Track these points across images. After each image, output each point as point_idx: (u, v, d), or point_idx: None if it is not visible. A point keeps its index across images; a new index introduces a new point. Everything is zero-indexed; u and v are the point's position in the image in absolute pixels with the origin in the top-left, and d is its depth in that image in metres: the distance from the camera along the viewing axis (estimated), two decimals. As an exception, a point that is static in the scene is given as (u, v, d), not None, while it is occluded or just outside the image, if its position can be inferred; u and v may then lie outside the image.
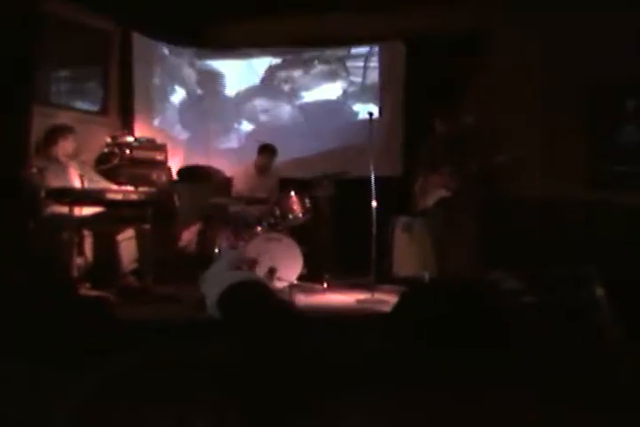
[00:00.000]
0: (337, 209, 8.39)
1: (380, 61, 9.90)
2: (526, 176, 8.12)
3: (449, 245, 7.28)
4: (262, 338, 4.62)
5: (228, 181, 8.79)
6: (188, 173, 9.09)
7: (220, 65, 10.36)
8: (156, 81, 9.82)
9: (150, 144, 8.56)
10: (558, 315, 5.64)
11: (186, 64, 10.20)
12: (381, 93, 9.87)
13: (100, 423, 1.05)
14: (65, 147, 7.24)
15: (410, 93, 9.50)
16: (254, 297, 5.28)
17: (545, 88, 8.29)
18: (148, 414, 1.05)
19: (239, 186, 8.59)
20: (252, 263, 7.05)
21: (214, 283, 5.71)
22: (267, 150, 8.64)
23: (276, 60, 10.27)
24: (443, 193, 7.31)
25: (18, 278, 5.33)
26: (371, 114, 7.60)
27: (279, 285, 7.27)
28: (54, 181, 6.90)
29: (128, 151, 8.13)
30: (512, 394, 3.76)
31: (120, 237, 7.29)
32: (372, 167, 7.27)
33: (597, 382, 4.00)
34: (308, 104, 10.20)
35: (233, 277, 5.67)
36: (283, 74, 10.25)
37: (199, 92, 10.33)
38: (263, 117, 10.27)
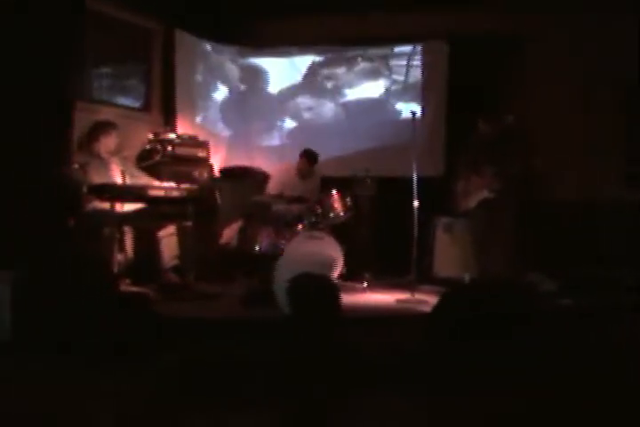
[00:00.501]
0: (378, 208, 8.36)
1: (423, 60, 9.85)
2: (566, 177, 8.07)
3: (490, 247, 7.23)
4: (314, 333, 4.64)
5: (269, 179, 8.78)
6: (229, 171, 9.14)
7: (263, 62, 10.37)
8: (199, 78, 9.84)
9: (192, 141, 8.59)
10: (595, 317, 5.60)
11: (228, 61, 10.22)
12: (424, 93, 9.82)
13: (144, 421, 1.06)
14: (107, 143, 7.29)
15: (452, 93, 9.45)
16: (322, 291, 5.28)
17: (585, 88, 8.25)
18: (190, 412, 1.04)
19: (276, 184, 8.57)
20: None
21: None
22: (307, 156, 8.62)
23: (318, 58, 10.25)
24: (485, 194, 7.26)
25: (60, 275, 5.37)
26: (414, 113, 7.55)
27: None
28: (96, 177, 6.94)
29: (170, 148, 8.15)
30: (548, 394, 3.74)
31: (161, 233, 7.33)
32: (414, 167, 7.24)
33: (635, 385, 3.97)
34: (350, 102, 10.18)
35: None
36: (325, 71, 10.23)
37: (241, 89, 10.33)
38: (306, 115, 10.25)
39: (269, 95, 10.38)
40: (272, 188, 8.54)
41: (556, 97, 8.34)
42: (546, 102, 8.47)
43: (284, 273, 5.94)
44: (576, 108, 8.22)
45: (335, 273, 6.69)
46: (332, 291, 5.25)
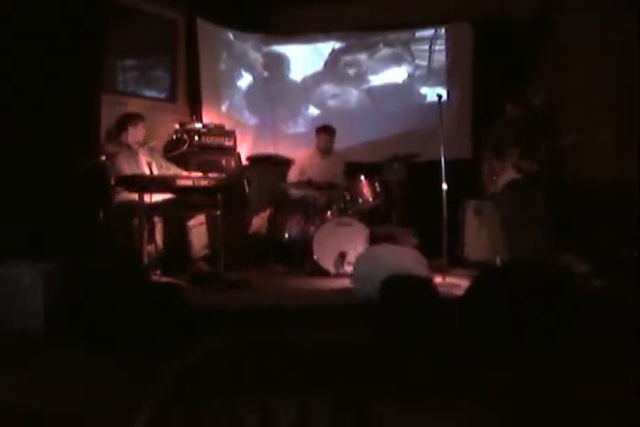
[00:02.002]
0: (407, 193, 8.33)
1: (447, 44, 9.80)
2: (597, 157, 7.98)
3: (519, 228, 7.20)
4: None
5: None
6: (257, 158, 9.14)
7: (285, 49, 10.33)
8: (223, 67, 9.83)
9: (219, 130, 8.58)
10: (627, 299, 5.54)
11: (251, 49, 10.18)
12: (449, 76, 9.78)
13: (183, 416, 1.04)
14: (135, 134, 7.31)
15: (478, 76, 9.40)
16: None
17: (615, 68, 8.14)
18: (233, 406, 1.03)
19: (300, 169, 8.57)
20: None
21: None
22: (323, 131, 8.64)
23: (339, 45, 10.20)
24: (512, 175, 7.22)
25: (92, 267, 5.39)
26: (440, 96, 7.50)
27: (349, 269, 7.24)
28: (125, 168, 6.97)
29: (197, 138, 8.15)
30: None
31: (191, 223, 7.35)
32: (442, 150, 7.20)
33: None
34: (374, 88, 10.14)
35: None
36: (347, 58, 10.17)
37: (265, 76, 10.30)
38: (331, 102, 10.22)
39: (293, 82, 10.35)
40: (293, 173, 8.55)
41: (587, 77, 8.23)
42: (576, 82, 8.36)
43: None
44: (606, 87, 8.11)
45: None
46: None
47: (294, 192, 8.28)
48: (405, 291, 5.21)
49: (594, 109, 8.11)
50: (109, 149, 7.08)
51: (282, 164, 9.07)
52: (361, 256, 6.67)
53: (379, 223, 8.07)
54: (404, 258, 6.43)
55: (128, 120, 7.38)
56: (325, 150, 8.71)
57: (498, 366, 3.96)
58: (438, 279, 7.08)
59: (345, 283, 6.76)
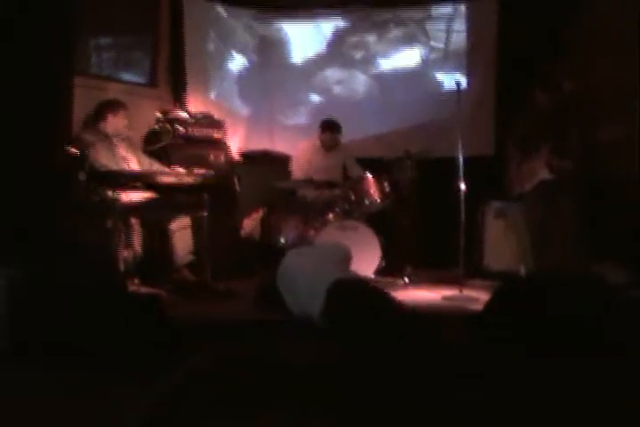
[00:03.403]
0: (420, 193, 8.32)
1: (468, 23, 9.77)
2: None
3: (550, 234, 7.22)
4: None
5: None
6: (250, 154, 9.15)
7: (283, 28, 10.30)
8: (211, 47, 9.84)
9: (207, 120, 8.61)
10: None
11: (244, 27, 10.16)
12: (469, 61, 9.76)
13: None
14: (115, 123, 7.34)
15: (503, 60, 9.39)
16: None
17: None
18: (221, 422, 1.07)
19: (302, 164, 8.59)
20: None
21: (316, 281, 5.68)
22: (328, 129, 8.68)
23: (343, 23, 10.19)
24: (543, 174, 7.24)
25: (60, 275, 5.40)
26: (458, 83, 7.44)
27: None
28: (100, 161, 6.99)
29: (181, 128, 8.16)
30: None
31: (174, 226, 7.37)
32: (459, 145, 7.20)
33: None
34: (384, 74, 10.13)
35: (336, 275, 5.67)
36: (354, 39, 10.16)
37: (260, 58, 10.28)
38: (336, 89, 10.22)
39: (292, 66, 10.33)
40: (296, 168, 8.58)
41: (628, 57, 8.19)
42: (611, 67, 8.34)
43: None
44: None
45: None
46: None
47: (292, 191, 8.31)
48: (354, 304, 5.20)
49: (635, 97, 8.08)
50: (86, 137, 7.07)
51: (278, 160, 9.09)
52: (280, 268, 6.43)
53: (388, 227, 8.08)
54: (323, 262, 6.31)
55: (108, 108, 7.40)
56: (330, 146, 8.76)
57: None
58: (454, 292, 7.11)
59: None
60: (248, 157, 9.23)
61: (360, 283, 5.73)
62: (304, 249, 6.84)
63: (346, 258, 6.34)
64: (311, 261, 6.07)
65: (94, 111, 7.42)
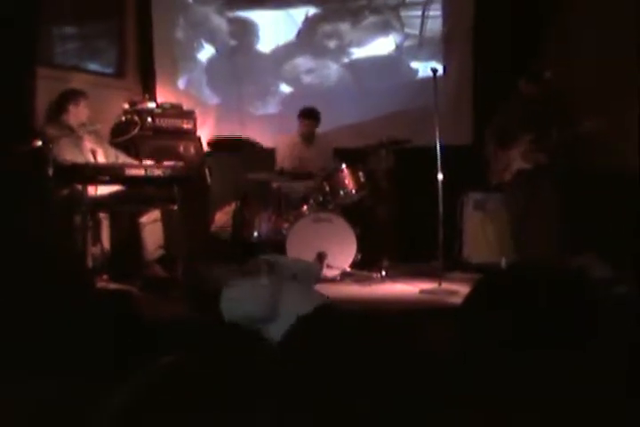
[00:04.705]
0: (396, 184, 8.29)
1: (444, 9, 9.73)
2: (622, 145, 7.95)
3: (530, 226, 7.22)
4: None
5: (267, 153, 8.76)
6: (220, 144, 9.09)
7: (253, 16, 10.20)
8: (180, 35, 9.79)
9: (175, 111, 8.59)
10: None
11: (214, 14, 10.07)
12: (445, 48, 9.73)
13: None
14: (77, 114, 7.26)
15: (480, 47, 9.36)
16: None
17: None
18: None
19: (284, 159, 8.55)
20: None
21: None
22: (306, 116, 8.62)
23: (316, 11, 10.12)
24: (522, 165, 7.24)
25: (23, 272, 5.34)
26: (435, 71, 7.40)
27: (329, 273, 7.24)
28: (66, 154, 6.91)
29: (150, 119, 8.14)
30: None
31: (143, 220, 7.32)
32: (437, 134, 7.17)
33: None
34: (357, 62, 10.07)
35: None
36: (327, 27, 10.10)
37: (230, 47, 10.20)
38: (307, 79, 10.16)
39: (262, 55, 10.24)
40: (280, 161, 8.55)
41: (608, 46, 8.17)
42: (596, 52, 8.30)
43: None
44: (635, 59, 8.05)
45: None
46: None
47: (264, 183, 8.27)
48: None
49: (619, 87, 8.04)
50: (50, 131, 6.99)
51: (249, 149, 9.04)
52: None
53: (364, 219, 8.06)
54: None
55: (67, 98, 7.31)
56: (308, 138, 8.71)
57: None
58: (433, 285, 7.09)
59: (324, 288, 6.74)
60: (219, 146, 9.16)
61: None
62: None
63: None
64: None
65: (55, 103, 7.35)
